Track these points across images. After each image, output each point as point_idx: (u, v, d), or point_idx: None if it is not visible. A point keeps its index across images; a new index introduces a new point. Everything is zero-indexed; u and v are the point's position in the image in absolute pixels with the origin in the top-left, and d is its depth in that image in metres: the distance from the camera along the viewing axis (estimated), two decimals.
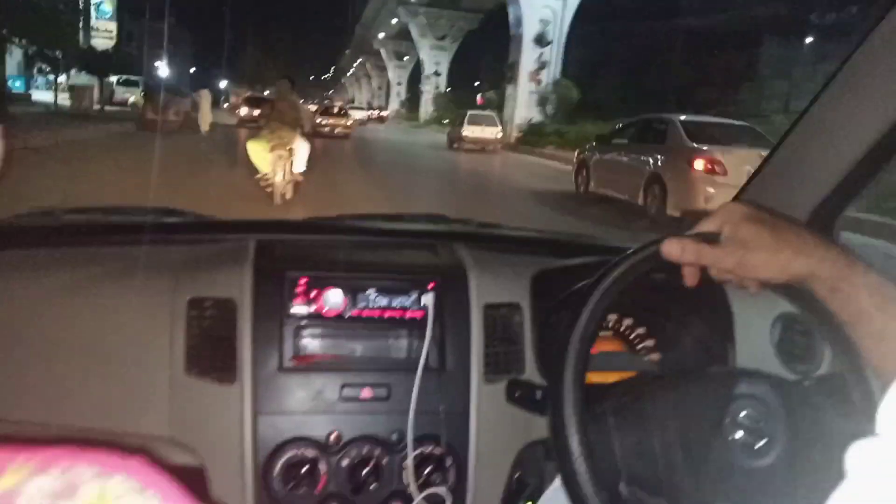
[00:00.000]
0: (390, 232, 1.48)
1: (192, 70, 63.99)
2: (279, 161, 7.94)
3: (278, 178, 7.96)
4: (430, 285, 1.13)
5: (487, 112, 24.65)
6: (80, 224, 1.39)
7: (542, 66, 27.11)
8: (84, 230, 1.31)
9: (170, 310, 1.07)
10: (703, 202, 7.72)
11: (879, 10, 1.00)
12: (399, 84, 66.94)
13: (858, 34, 1.03)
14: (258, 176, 8.28)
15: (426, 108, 47.03)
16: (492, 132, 22.39)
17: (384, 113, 58.33)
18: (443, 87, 47.45)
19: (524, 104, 26.85)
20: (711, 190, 7.73)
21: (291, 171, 8.19)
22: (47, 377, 1.06)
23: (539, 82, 27.01)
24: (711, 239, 0.73)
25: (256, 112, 15.21)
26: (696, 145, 8.35)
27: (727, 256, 0.73)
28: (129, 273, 1.13)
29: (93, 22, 27.44)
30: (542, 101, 26.58)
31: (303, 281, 1.10)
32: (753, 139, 8.38)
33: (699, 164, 8.05)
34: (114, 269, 1.14)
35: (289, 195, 8.22)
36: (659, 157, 8.90)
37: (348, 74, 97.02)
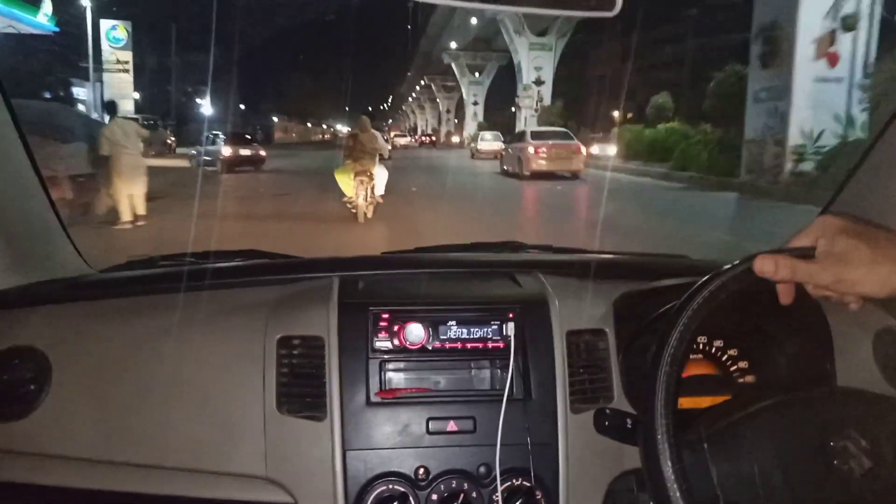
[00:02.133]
0: (468, 263, 1.48)
1: (241, 106, 66.80)
2: (361, 186, 9.59)
3: (361, 200, 9.59)
4: (511, 315, 1.13)
5: (494, 132, 34.67)
6: (174, 273, 1.39)
7: (541, 99, 36.01)
8: (178, 276, 1.32)
9: (260, 349, 1.11)
10: (534, 167, 17.79)
11: None
12: (448, 112, 77.36)
13: None
14: (344, 199, 9.91)
15: (468, 130, 55.73)
16: (497, 145, 29.39)
17: (433, 137, 64.12)
18: (480, 115, 56.23)
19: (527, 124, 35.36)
20: (540, 161, 18.03)
21: (373, 193, 9.83)
22: (146, 420, 1.11)
23: (536, 110, 36.25)
24: (806, 254, 0.71)
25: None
26: (532, 141, 18.92)
27: (824, 272, 0.70)
28: (221, 315, 1.19)
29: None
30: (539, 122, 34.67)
31: (385, 315, 1.12)
32: (563, 137, 19.82)
33: (531, 149, 18.55)
34: (206, 312, 1.20)
35: (370, 215, 9.81)
36: (519, 146, 19.37)
37: (408, 102, 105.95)
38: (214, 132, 23.36)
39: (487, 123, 54.61)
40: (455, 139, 59.02)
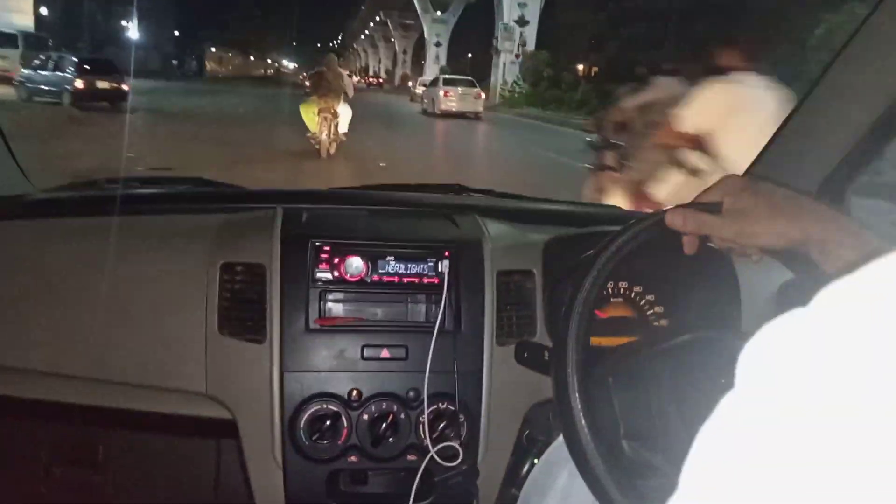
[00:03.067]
0: (410, 203, 1.51)
1: (176, 33, 59.66)
2: (325, 122, 9.57)
3: (324, 137, 9.61)
4: (447, 253, 1.19)
5: (466, 78, 25.02)
6: (119, 195, 1.38)
7: (524, 42, 30.80)
8: (125, 199, 1.34)
9: (204, 274, 1.14)
10: (443, 107, 19.80)
11: None
12: (405, 52, 70.89)
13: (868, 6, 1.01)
14: (308, 135, 9.86)
15: (429, 74, 50.85)
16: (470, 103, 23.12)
17: (380, 79, 61.62)
18: (443, 58, 51.22)
19: (507, 72, 31.15)
20: (449, 103, 20.13)
21: (336, 131, 9.79)
22: (91, 336, 1.15)
23: (518, 56, 30.86)
24: (713, 209, 0.76)
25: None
26: (443, 87, 21.67)
27: (727, 226, 0.76)
28: (166, 240, 1.22)
29: None
30: (522, 71, 30.37)
31: (326, 248, 1.16)
32: (469, 84, 22.30)
33: (441, 93, 21.09)
34: (152, 236, 1.23)
35: (332, 151, 9.80)
36: (433, 90, 22.05)
37: (360, 40, 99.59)
38: (60, 54, 17.67)
39: (449, 68, 49.38)
40: (412, 84, 54.75)
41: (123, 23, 52.16)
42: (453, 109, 20.90)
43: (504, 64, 30.27)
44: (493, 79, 31.62)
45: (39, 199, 1.40)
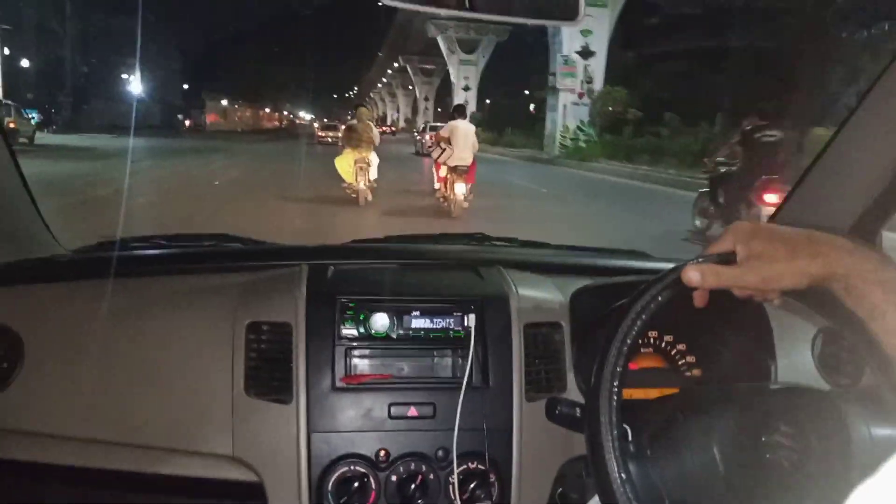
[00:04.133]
0: (434, 256, 1.53)
1: (185, 86, 55.94)
2: (361, 172, 10.22)
3: (362, 185, 10.24)
4: (472, 307, 1.19)
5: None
6: (147, 256, 1.46)
7: (589, 79, 24.47)
8: (151, 259, 1.42)
9: (230, 333, 1.14)
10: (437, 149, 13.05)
11: None
12: (427, 99, 65.74)
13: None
14: (344, 185, 10.58)
15: (419, 123, 45.65)
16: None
17: (393, 128, 59.52)
18: (473, 102, 45.67)
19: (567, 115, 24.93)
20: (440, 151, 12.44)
21: (369, 178, 10.39)
22: (117, 398, 1.14)
23: (582, 95, 24.62)
24: (728, 259, 0.75)
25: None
26: (429, 131, 21.22)
27: (747, 274, 0.74)
28: (192, 299, 1.23)
29: None
30: (595, 113, 24.11)
31: (352, 304, 1.17)
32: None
33: (428, 137, 20.00)
34: (178, 296, 1.24)
35: (370, 198, 10.47)
36: (421, 135, 24.43)
37: (377, 89, 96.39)
38: None
39: (480, 114, 43.56)
40: (395, 128, 54.11)
41: (125, 76, 47.90)
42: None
43: (564, 106, 24.00)
44: (548, 125, 25.42)
45: (69, 260, 1.42)
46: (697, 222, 8.50)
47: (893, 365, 0.67)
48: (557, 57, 24.36)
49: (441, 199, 10.15)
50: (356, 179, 10.25)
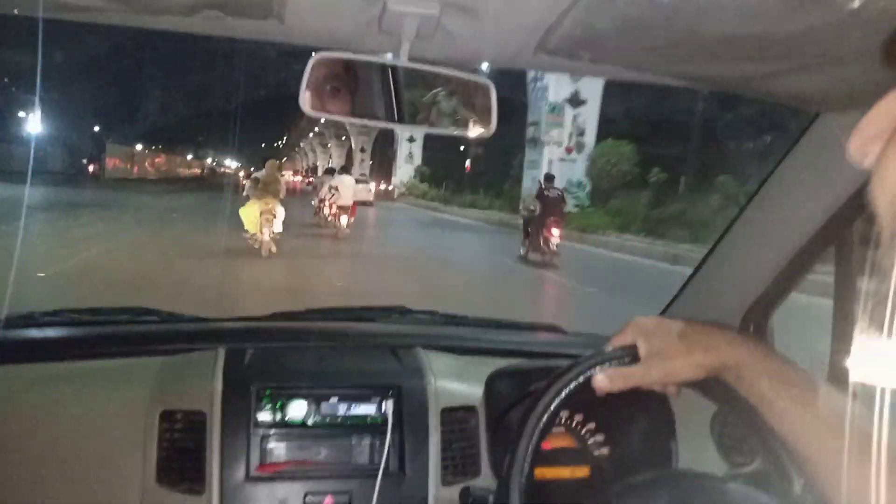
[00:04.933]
0: (354, 335, 1.52)
1: (96, 129, 50.84)
2: (266, 223, 10.24)
3: (266, 237, 10.22)
4: (390, 392, 1.19)
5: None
6: (55, 338, 1.39)
7: (580, 131, 20.45)
8: (62, 343, 1.36)
9: (142, 423, 1.11)
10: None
11: (803, 123, 1.08)
12: (363, 150, 61.26)
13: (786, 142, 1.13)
14: (246, 235, 10.44)
15: (400, 176, 41.15)
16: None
17: (311, 179, 55.67)
18: (418, 156, 41.34)
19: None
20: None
21: (273, 230, 10.40)
22: (23, 492, 1.09)
23: (570, 149, 20.29)
24: (631, 358, 0.80)
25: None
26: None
27: (651, 371, 0.79)
28: (103, 386, 1.19)
29: None
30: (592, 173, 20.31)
31: (268, 392, 1.15)
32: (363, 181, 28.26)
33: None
34: (88, 383, 1.20)
35: (274, 249, 10.33)
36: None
37: (309, 138, 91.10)
38: None
39: (428, 169, 38.99)
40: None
41: (22, 114, 40.92)
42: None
43: (550, 162, 19.46)
44: (526, 183, 20.82)
45: None
46: (522, 250, 12.26)
47: (782, 449, 0.75)
48: (541, 105, 19.98)
49: (331, 226, 14.03)
50: (261, 230, 10.24)
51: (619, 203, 17.55)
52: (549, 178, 13.06)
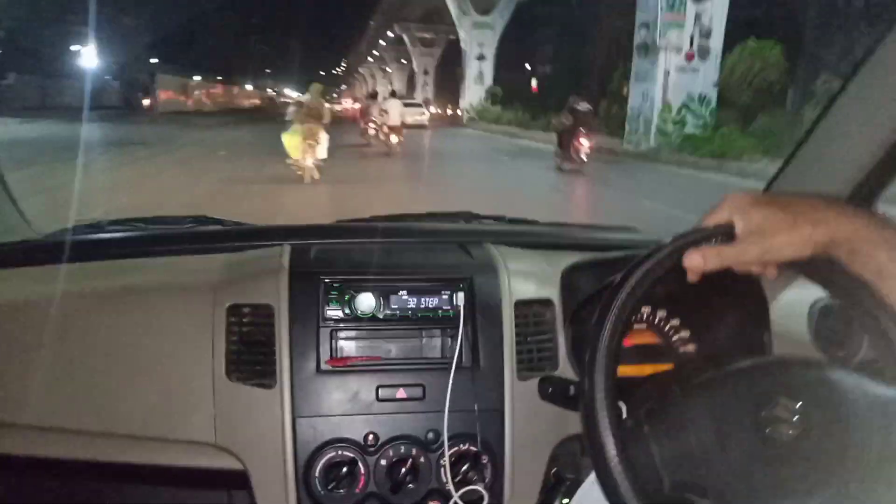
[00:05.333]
0: (420, 233, 1.49)
1: (153, 60, 47.21)
2: (309, 149, 10.19)
3: (308, 163, 10.20)
4: (461, 285, 1.15)
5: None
6: (122, 238, 1.42)
7: (707, 32, 15.97)
8: (127, 242, 1.38)
9: (210, 317, 1.09)
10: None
11: None
12: (426, 73, 57.14)
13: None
14: (289, 161, 10.35)
15: (469, 98, 37.03)
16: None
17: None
18: (489, 75, 37.43)
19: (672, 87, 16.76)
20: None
21: (317, 156, 10.36)
22: (94, 386, 1.10)
23: (691, 57, 16.42)
24: (727, 235, 0.73)
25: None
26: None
27: (750, 248, 0.71)
28: (171, 282, 1.19)
29: None
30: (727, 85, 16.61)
31: (336, 284, 1.12)
32: (416, 105, 31.25)
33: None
34: (155, 280, 1.20)
35: (316, 176, 10.32)
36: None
37: (368, 63, 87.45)
38: None
39: (501, 90, 35.20)
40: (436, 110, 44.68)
41: (74, 48, 39.06)
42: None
43: (666, 73, 15.77)
44: (634, 101, 17.25)
45: (40, 243, 1.36)
46: (557, 160, 13.52)
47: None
48: (655, 1, 16.03)
49: (382, 144, 16.06)
50: (304, 156, 10.08)
51: (769, 120, 13.85)
52: (578, 93, 14.46)
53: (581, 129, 12.67)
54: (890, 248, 0.66)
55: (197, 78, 52.16)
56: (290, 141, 10.22)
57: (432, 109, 48.47)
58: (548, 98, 28.18)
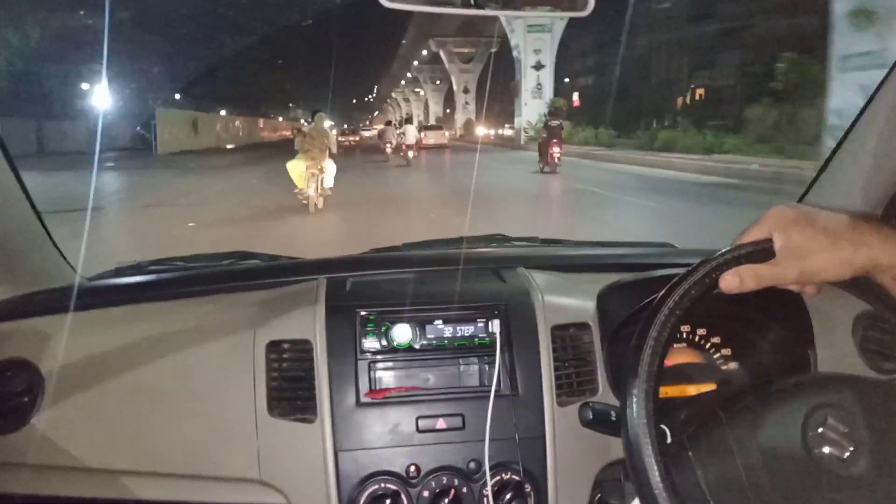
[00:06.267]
0: (453, 260, 1.42)
1: (177, 96, 43.59)
2: (312, 178, 10.01)
3: (312, 192, 9.98)
4: (496, 312, 1.15)
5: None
6: (163, 279, 1.43)
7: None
8: (169, 283, 1.39)
9: (250, 354, 1.11)
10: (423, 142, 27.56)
11: None
12: (466, 91, 55.38)
13: None
14: (295, 191, 10.24)
15: (525, 115, 32.23)
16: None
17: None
18: (549, 86, 32.77)
19: None
20: (426, 140, 29.18)
21: (322, 186, 10.21)
22: (140, 427, 1.11)
23: None
24: (765, 252, 0.70)
25: None
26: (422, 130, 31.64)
27: (787, 270, 0.69)
28: (210, 321, 1.21)
29: None
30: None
31: (372, 317, 1.13)
32: (437, 128, 35.11)
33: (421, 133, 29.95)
34: (196, 318, 1.22)
35: (321, 206, 10.17)
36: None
37: (401, 86, 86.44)
38: None
39: (566, 102, 29.39)
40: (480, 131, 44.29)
41: (85, 86, 34.48)
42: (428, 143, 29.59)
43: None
44: (837, 96, 10.94)
45: (86, 288, 1.36)
46: (539, 165, 17.23)
47: None
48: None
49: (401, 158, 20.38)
50: (308, 185, 9.97)
51: None
52: (551, 112, 19.31)
53: (553, 139, 16.25)
54: None
55: (222, 112, 47.42)
56: (295, 170, 10.16)
57: (481, 131, 43.32)
58: (592, 111, 26.71)
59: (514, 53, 31.48)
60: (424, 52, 55.99)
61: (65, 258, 1.38)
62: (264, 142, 47.00)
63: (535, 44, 31.01)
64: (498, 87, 44.15)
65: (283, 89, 66.23)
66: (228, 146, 39.03)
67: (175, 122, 32.85)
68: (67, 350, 1.14)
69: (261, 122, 57.63)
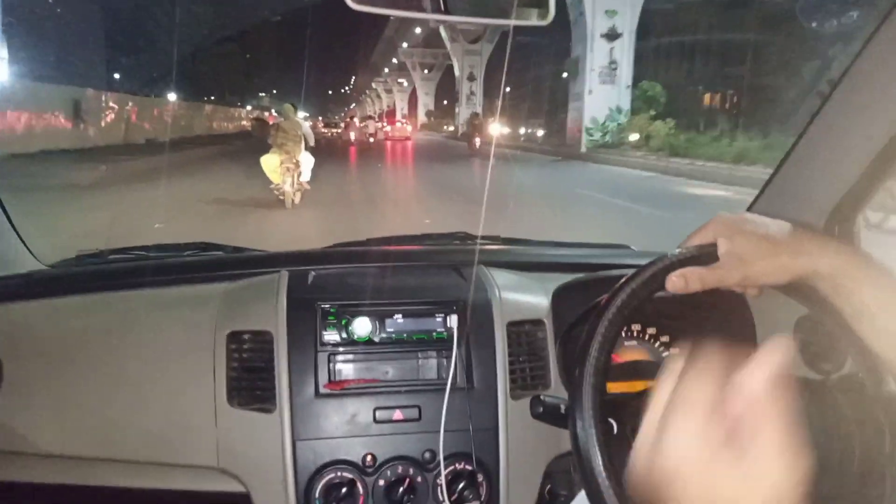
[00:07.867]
0: (415, 257, 1.48)
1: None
2: (287, 173, 9.29)
3: (287, 187, 9.27)
4: (454, 307, 1.17)
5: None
6: (125, 268, 1.41)
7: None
8: (131, 272, 1.37)
9: (211, 344, 1.12)
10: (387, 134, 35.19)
11: (883, 9, 0.98)
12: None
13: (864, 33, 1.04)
14: (271, 186, 9.47)
15: (591, 113, 21.98)
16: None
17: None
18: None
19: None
20: (391, 133, 35.37)
21: (299, 180, 9.51)
22: (99, 415, 1.12)
23: None
24: (709, 256, 0.74)
25: None
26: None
27: (731, 273, 0.72)
28: (172, 310, 1.21)
29: None
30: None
31: (333, 310, 1.15)
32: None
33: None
34: (158, 308, 1.22)
35: (297, 201, 9.48)
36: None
37: (373, 86, 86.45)
38: None
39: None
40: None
41: None
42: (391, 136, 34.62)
43: None
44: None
45: (46, 276, 1.36)
46: (468, 150, 20.83)
47: (877, 356, 0.68)
48: None
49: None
50: (283, 180, 9.36)
51: None
52: (475, 114, 26.02)
53: (476, 132, 21.72)
54: (873, 286, 0.66)
55: (171, 98, 36.80)
56: (268, 164, 9.46)
57: (496, 131, 33.93)
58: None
59: (572, 16, 21.91)
60: (418, 30, 46.39)
61: (25, 245, 1.38)
62: (221, 133, 36.99)
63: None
64: (515, 75, 34.96)
65: (249, 76, 57.13)
66: (171, 138, 28.51)
67: (116, 101, 20.45)
68: (27, 338, 1.15)
69: (231, 111, 47.11)
